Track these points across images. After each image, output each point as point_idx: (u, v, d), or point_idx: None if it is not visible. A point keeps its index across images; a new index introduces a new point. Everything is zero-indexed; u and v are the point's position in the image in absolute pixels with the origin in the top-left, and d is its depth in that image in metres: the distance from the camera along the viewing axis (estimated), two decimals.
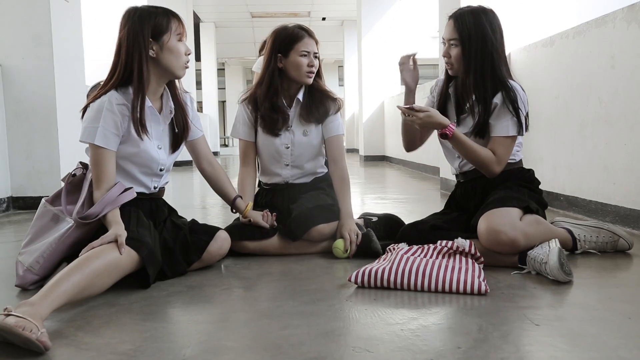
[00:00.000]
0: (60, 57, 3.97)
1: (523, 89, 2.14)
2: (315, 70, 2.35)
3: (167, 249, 1.95)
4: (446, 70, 2.23)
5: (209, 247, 2.03)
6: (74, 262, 1.60)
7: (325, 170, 2.53)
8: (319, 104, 2.40)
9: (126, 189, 1.91)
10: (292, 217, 2.26)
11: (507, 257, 1.95)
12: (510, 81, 2.12)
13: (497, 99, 2.10)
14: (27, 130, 3.94)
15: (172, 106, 2.05)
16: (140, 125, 1.93)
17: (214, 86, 13.60)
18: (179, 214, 2.22)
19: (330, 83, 17.45)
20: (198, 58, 12.51)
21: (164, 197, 2.18)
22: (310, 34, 2.36)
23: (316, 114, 2.39)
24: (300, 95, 2.39)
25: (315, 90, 2.41)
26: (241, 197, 2.32)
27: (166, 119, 2.05)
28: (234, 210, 2.32)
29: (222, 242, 2.09)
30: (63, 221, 1.88)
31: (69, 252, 1.87)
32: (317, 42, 2.37)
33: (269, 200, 2.49)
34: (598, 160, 2.89)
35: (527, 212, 2.02)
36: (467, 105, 2.18)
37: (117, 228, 1.75)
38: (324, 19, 12.52)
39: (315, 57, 2.35)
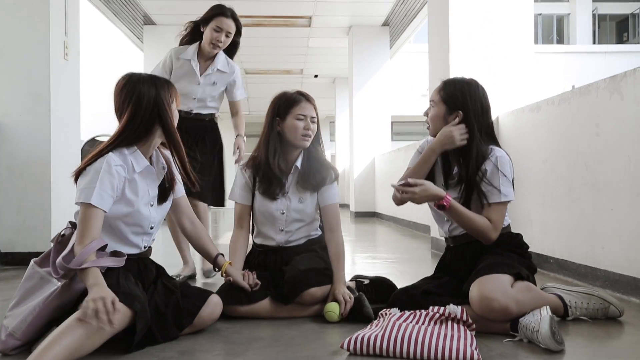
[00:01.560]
0: (57, 114, 4.03)
1: (509, 156, 2.21)
2: (312, 134, 2.40)
3: (159, 313, 1.93)
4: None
5: (201, 312, 2.02)
6: (64, 324, 1.60)
7: (319, 233, 2.55)
8: (316, 172, 2.44)
9: (114, 253, 1.90)
10: (285, 280, 2.27)
11: (499, 324, 1.96)
12: (496, 148, 2.20)
13: (486, 166, 2.16)
14: (19, 185, 3.94)
15: (164, 162, 2.10)
16: (191, 183, 2.11)
17: None
18: (168, 271, 2.21)
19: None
20: None
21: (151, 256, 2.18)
22: (308, 98, 2.43)
23: (313, 181, 2.43)
24: (298, 162, 2.44)
25: (314, 158, 2.46)
26: (222, 255, 2.32)
27: (160, 175, 2.08)
28: (216, 269, 2.32)
29: (214, 306, 2.08)
30: (49, 283, 1.86)
31: (54, 316, 1.83)
32: (315, 108, 2.44)
33: (262, 261, 2.50)
34: (586, 224, 2.93)
35: (518, 279, 2.04)
36: (454, 170, 2.24)
37: (100, 290, 1.66)
38: (316, 76, 12.79)
39: (313, 121, 2.40)
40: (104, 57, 13.44)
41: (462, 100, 2.20)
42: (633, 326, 2.13)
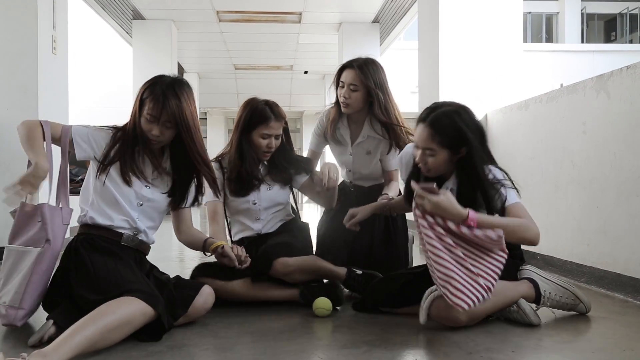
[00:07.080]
0: (45, 108, 4.00)
1: (505, 172, 2.09)
2: (273, 149, 2.49)
3: None
4: None
5: (195, 301, 2.06)
6: (90, 314, 1.68)
7: (292, 217, 2.66)
8: (283, 170, 2.55)
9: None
10: (255, 257, 2.31)
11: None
12: (492, 168, 2.06)
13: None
14: (7, 179, 3.83)
15: (169, 168, 2.19)
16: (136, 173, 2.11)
17: None
18: (159, 267, 2.23)
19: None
20: None
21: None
22: (277, 117, 2.46)
23: (280, 177, 2.55)
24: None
25: (281, 156, 2.54)
26: (212, 238, 2.32)
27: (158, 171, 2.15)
28: (207, 253, 2.29)
29: (207, 296, 2.12)
30: (27, 253, 1.94)
31: (46, 279, 1.96)
32: (283, 122, 2.49)
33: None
34: (572, 221, 2.96)
35: None
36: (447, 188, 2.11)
37: (39, 161, 1.94)
38: (305, 72, 12.78)
39: (277, 138, 2.49)
40: (93, 51, 13.33)
41: (460, 135, 2.00)
42: (616, 322, 2.16)
